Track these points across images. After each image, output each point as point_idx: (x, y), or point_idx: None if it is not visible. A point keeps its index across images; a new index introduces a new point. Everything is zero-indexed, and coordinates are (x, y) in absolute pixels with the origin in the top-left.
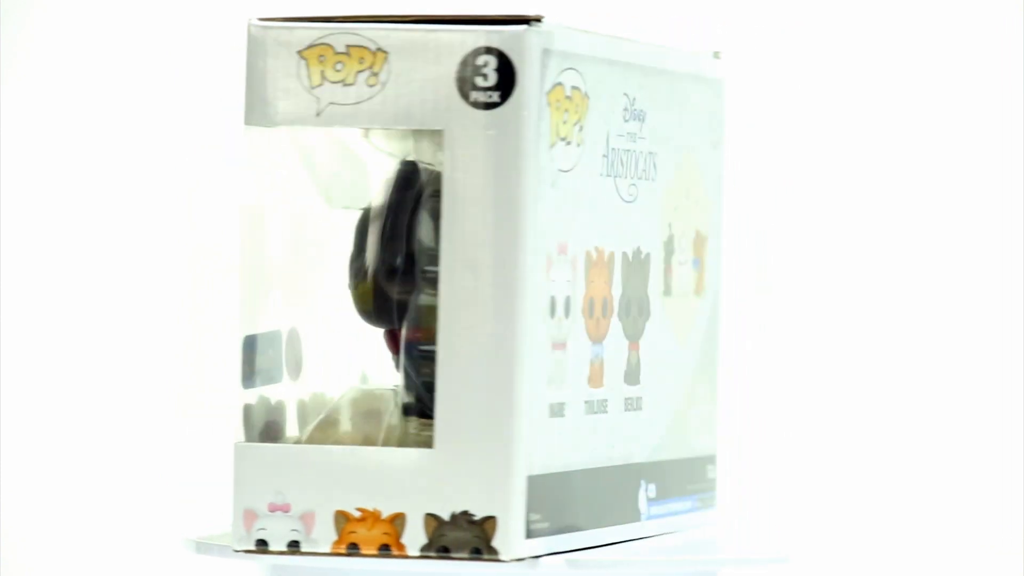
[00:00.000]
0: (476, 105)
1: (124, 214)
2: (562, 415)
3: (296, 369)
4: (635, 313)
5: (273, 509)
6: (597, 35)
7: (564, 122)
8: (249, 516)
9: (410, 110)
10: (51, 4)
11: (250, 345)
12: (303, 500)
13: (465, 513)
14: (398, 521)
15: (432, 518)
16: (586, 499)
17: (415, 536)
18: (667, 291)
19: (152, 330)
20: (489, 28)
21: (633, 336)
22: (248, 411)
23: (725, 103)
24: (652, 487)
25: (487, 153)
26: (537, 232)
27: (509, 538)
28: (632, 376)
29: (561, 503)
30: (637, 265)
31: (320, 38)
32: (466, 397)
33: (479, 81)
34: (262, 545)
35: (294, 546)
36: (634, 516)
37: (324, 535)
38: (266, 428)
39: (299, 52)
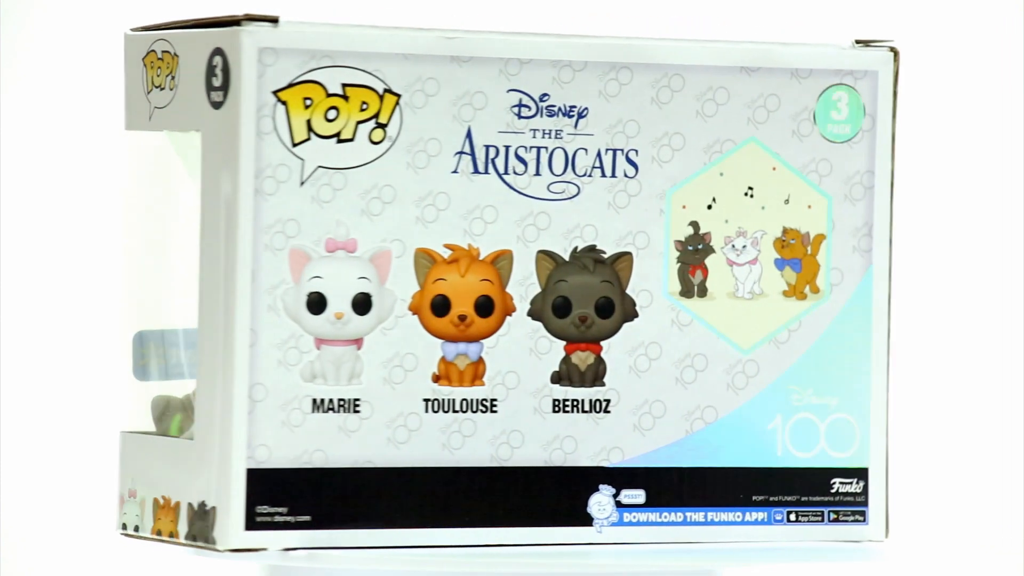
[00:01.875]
0: (214, 105)
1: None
2: (354, 411)
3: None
4: (587, 312)
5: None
6: (419, 31)
7: (328, 120)
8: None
9: (180, 111)
10: (51, 4)
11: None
12: (142, 488)
13: (202, 504)
14: (177, 510)
15: (190, 507)
16: (413, 497)
17: (183, 525)
18: (696, 292)
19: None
20: (220, 30)
21: (580, 337)
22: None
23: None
24: (634, 492)
25: (215, 152)
26: (262, 228)
27: (227, 529)
28: (578, 377)
29: (339, 499)
30: (587, 264)
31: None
32: (208, 389)
33: (214, 81)
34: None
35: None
36: (575, 520)
37: (147, 523)
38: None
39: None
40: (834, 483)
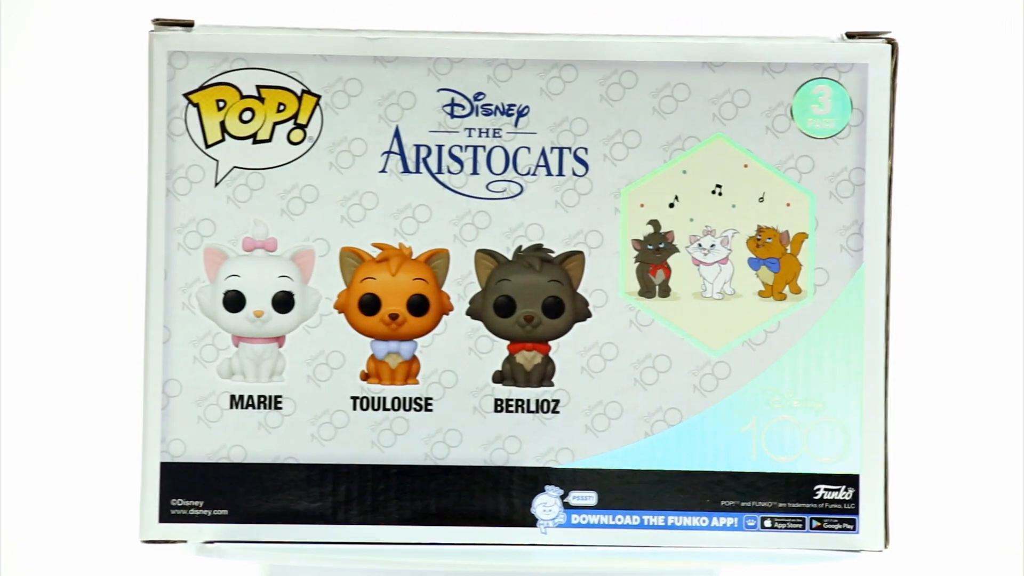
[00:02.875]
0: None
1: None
2: (275, 407)
3: None
4: (532, 312)
5: None
6: (344, 32)
7: (245, 121)
8: None
9: None
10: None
11: None
12: None
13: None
14: None
15: None
16: (338, 493)
17: None
18: (658, 292)
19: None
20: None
21: (525, 336)
22: None
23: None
24: (584, 494)
25: (147, 155)
26: (174, 228)
27: (143, 520)
28: (523, 377)
29: (259, 493)
30: (533, 263)
31: None
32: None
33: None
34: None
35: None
36: (520, 520)
37: None
38: None
39: None
40: (818, 489)
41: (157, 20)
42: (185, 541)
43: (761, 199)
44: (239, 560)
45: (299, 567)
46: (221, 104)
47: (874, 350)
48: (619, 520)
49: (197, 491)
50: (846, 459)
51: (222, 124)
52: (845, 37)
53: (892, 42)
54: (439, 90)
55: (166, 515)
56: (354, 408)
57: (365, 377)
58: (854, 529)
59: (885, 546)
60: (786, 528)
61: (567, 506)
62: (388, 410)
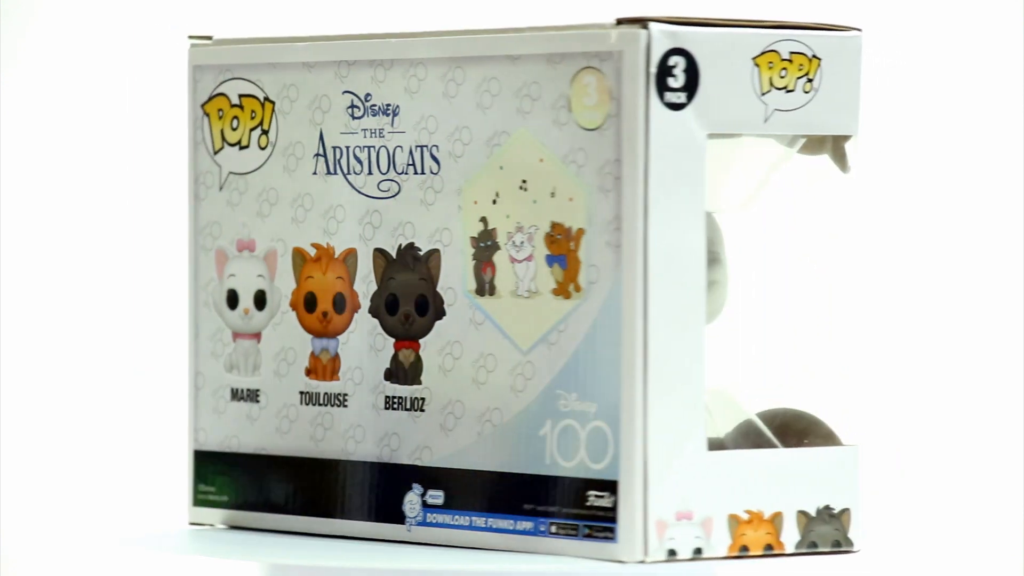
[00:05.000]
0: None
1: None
2: (254, 401)
3: None
4: (409, 311)
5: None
6: (290, 40)
7: (233, 128)
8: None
9: None
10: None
11: None
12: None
13: None
14: None
15: None
16: (299, 485)
17: None
18: (487, 290)
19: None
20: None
21: (405, 335)
22: None
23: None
24: (435, 493)
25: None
26: (197, 230)
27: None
28: (403, 375)
29: (251, 483)
30: (408, 262)
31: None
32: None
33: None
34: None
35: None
36: (393, 518)
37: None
38: None
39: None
40: (589, 496)
41: (190, 36)
42: (212, 525)
43: (552, 194)
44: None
45: (299, 567)
46: (220, 113)
47: (633, 353)
48: (457, 520)
49: (211, 478)
50: (610, 465)
51: (221, 132)
52: (615, 24)
53: (647, 28)
54: (343, 92)
55: (196, 500)
56: (301, 403)
57: (308, 372)
58: (613, 538)
59: (644, 556)
60: (566, 535)
61: (424, 504)
62: (321, 405)
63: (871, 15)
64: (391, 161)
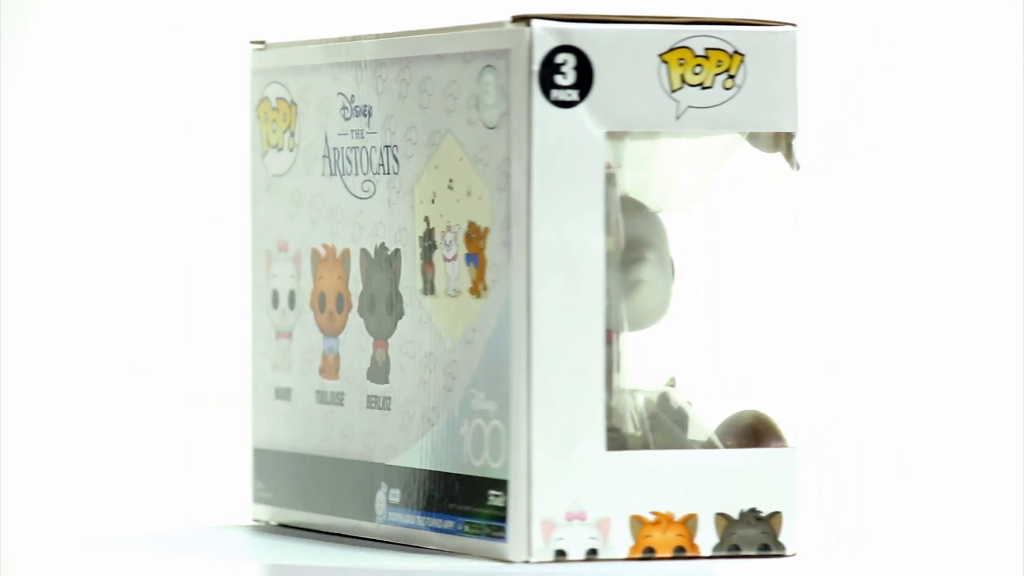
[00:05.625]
0: None
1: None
2: (288, 399)
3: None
4: (381, 310)
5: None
6: (306, 44)
7: (273, 131)
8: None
9: None
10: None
11: None
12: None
13: None
14: None
15: None
16: (316, 484)
17: None
18: (428, 289)
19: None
20: None
21: (379, 334)
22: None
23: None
24: (395, 492)
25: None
26: (256, 232)
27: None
28: (377, 374)
29: (287, 480)
30: (381, 262)
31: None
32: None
33: None
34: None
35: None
36: (369, 516)
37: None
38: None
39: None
40: (489, 495)
41: (251, 41)
42: (268, 521)
43: (469, 193)
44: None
45: (299, 567)
46: (265, 117)
47: (518, 351)
48: (406, 519)
49: (272, 478)
50: (504, 464)
51: (267, 135)
52: (511, 21)
53: (527, 21)
54: (337, 93)
55: (256, 496)
56: (316, 401)
57: (320, 372)
58: (503, 538)
59: (529, 557)
60: (474, 535)
61: (388, 503)
62: (328, 404)
63: (870, 15)
64: (369, 161)
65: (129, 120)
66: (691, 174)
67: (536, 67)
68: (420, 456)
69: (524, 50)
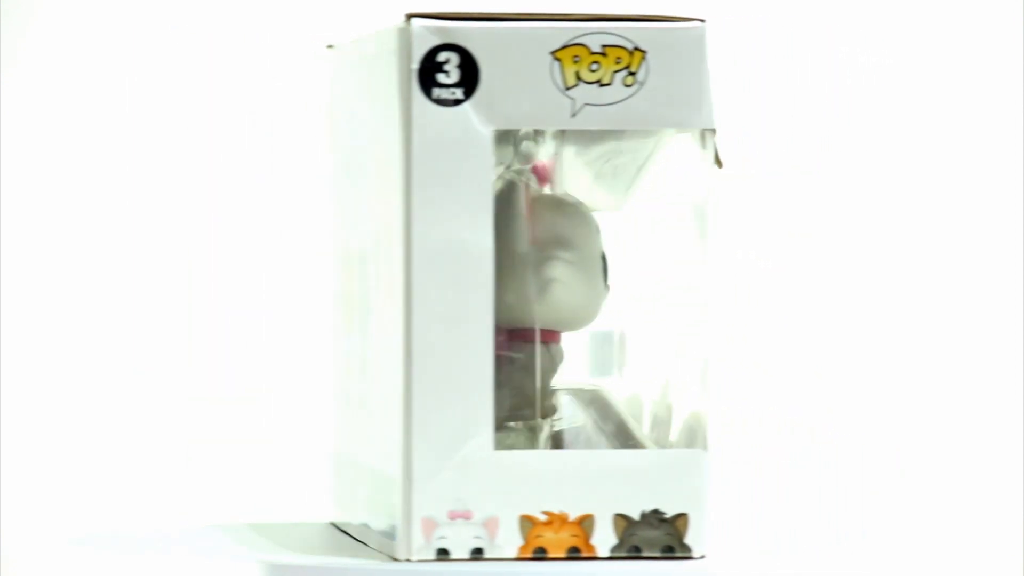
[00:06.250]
0: None
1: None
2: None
3: None
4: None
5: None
6: None
7: None
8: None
9: None
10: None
11: None
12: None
13: None
14: None
15: None
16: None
17: None
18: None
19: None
20: None
21: None
22: None
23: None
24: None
25: None
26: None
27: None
28: None
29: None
30: (356, 265)
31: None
32: None
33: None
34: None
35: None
36: None
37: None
38: None
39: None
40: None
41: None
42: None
43: None
44: None
45: (299, 567)
46: None
47: (397, 349)
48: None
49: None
50: (395, 462)
51: None
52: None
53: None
54: None
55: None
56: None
57: None
58: (394, 536)
59: (410, 555)
60: (385, 534)
61: None
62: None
63: (866, 15)
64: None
65: (129, 120)
66: (621, 173)
67: (415, 65)
68: (371, 454)
69: (405, 49)
